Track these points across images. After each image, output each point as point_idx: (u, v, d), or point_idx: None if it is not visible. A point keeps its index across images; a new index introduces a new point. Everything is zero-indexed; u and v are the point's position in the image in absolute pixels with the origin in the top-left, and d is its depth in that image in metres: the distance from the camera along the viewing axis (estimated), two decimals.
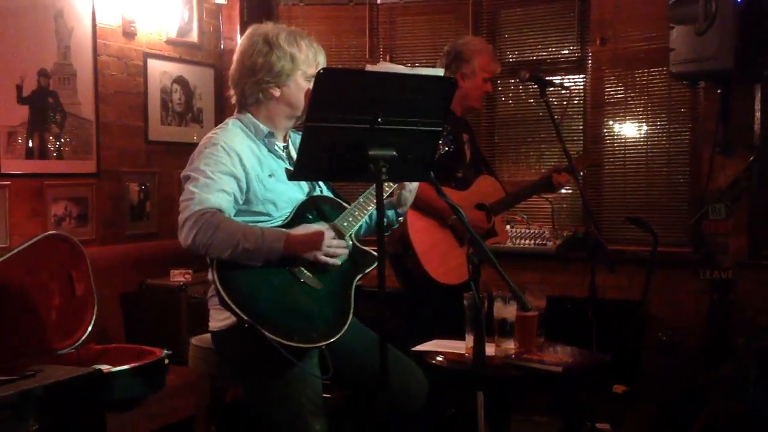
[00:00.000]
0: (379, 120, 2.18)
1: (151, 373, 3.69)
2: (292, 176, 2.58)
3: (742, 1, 4.00)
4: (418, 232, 3.75)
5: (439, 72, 2.41)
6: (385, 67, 2.25)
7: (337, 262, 2.60)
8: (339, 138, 2.19)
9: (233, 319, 2.51)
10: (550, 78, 4.08)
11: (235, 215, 2.60)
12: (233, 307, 2.44)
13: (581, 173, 4.25)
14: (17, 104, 4.30)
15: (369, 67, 2.24)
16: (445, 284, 3.71)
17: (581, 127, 5.24)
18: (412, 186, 2.83)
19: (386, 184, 2.75)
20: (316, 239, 2.54)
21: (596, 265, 3.75)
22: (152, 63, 5.11)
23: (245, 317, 2.43)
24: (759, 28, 4.03)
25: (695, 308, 4.66)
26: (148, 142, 5.12)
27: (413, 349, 3.18)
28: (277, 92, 2.73)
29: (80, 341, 3.85)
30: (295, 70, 2.71)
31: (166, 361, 3.83)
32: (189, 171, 2.60)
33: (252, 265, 2.50)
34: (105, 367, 3.60)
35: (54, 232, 4.01)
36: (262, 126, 2.74)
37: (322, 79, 2.12)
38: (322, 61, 2.77)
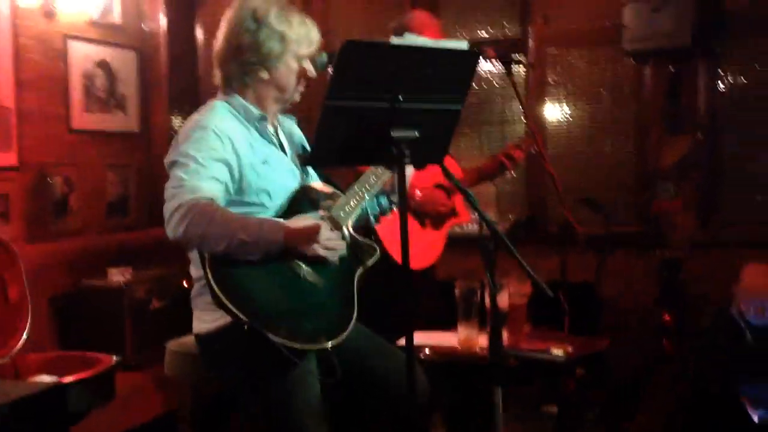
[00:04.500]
0: (401, 98, 2.01)
1: (102, 382, 3.44)
2: (309, 160, 2.37)
3: None
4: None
5: (463, 45, 2.23)
6: (411, 40, 2.05)
7: (336, 257, 2.40)
8: (359, 118, 2.00)
9: (225, 319, 2.29)
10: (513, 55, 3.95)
11: (225, 206, 2.36)
12: (231, 307, 2.21)
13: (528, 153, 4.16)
14: None
15: (394, 40, 2.05)
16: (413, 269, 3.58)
17: (522, 109, 5.14)
18: (408, 171, 2.65)
19: (378, 170, 2.59)
20: (313, 232, 2.32)
21: (567, 247, 3.67)
22: (73, 45, 4.71)
23: (244, 318, 2.21)
24: (714, 4, 4.02)
25: (646, 288, 4.65)
26: (71, 131, 4.70)
27: (398, 342, 3.01)
28: (265, 75, 2.50)
29: (15, 350, 3.55)
30: (285, 51, 2.49)
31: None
32: (175, 156, 2.34)
33: (248, 261, 2.27)
34: (50, 378, 3.32)
35: None
36: (253, 109, 2.50)
37: (347, 51, 1.92)
38: (315, 39, 2.55)
